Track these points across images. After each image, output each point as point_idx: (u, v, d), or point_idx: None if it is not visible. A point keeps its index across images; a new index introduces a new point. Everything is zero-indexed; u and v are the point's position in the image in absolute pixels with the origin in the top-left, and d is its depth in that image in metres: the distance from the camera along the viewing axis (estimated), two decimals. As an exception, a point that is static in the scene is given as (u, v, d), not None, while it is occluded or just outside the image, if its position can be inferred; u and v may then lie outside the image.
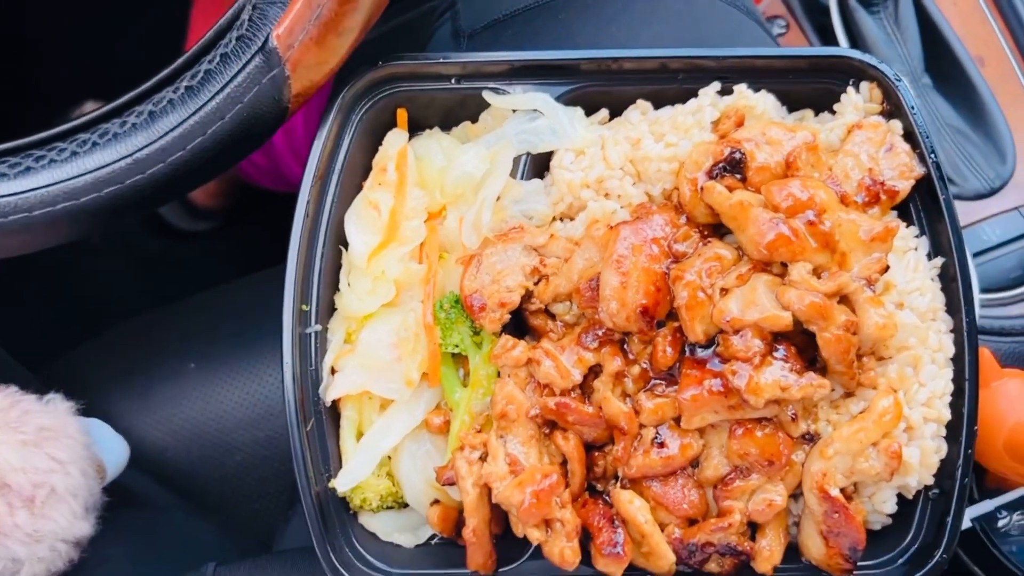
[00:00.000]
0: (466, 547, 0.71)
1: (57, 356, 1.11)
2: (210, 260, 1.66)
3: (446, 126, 0.85)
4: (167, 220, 1.61)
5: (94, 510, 0.79)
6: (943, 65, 1.18)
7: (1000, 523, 0.94)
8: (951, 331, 0.75)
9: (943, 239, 0.76)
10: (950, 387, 0.73)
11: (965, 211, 1.14)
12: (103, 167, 0.69)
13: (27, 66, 1.51)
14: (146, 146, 0.70)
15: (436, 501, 0.77)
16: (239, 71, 0.71)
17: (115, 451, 0.86)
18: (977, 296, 0.93)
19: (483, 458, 0.72)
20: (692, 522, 0.72)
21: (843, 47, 0.79)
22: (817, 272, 0.71)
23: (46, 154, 0.70)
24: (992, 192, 1.14)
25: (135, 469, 1.02)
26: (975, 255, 1.11)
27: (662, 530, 0.72)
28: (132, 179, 0.70)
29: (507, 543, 0.75)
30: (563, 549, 0.68)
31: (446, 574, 0.75)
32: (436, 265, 0.78)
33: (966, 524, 0.90)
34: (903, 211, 0.79)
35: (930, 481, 0.74)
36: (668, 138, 0.78)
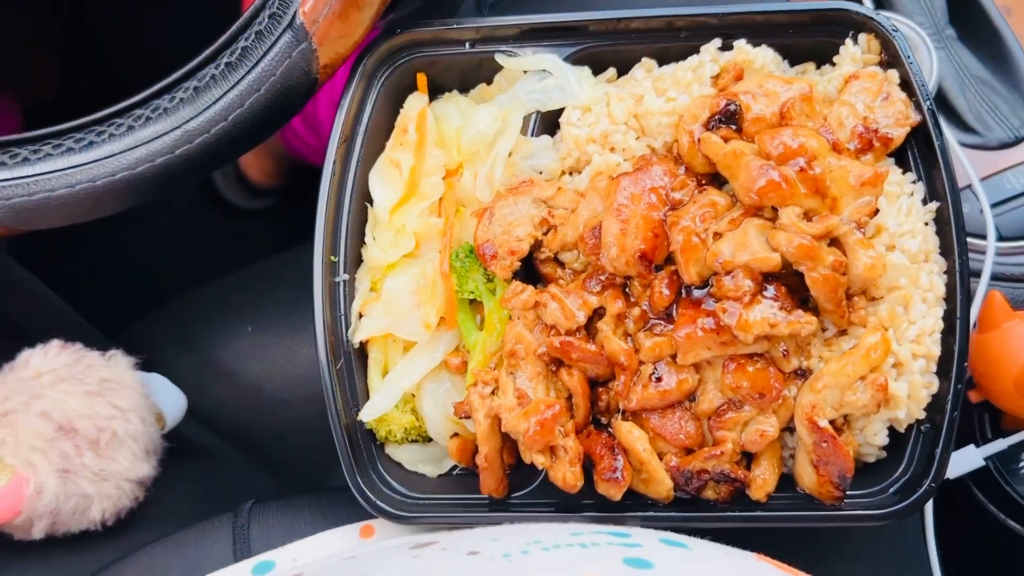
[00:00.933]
0: (479, 474, 0.78)
1: (128, 324, 1.22)
2: (266, 235, 1.76)
3: (464, 89, 0.91)
4: (227, 199, 1.71)
5: (155, 454, 0.89)
6: (968, 16, 1.18)
7: (1020, 464, 0.97)
8: (944, 272, 0.78)
9: (938, 184, 0.79)
10: (940, 325, 0.76)
11: (989, 161, 1.15)
12: (156, 138, 0.77)
13: (91, 52, 1.63)
14: (193, 118, 0.77)
15: (455, 434, 0.83)
16: (271, 47, 0.78)
17: (173, 402, 0.96)
18: (993, 242, 0.95)
19: (495, 392, 0.78)
20: (689, 452, 0.77)
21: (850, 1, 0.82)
22: (808, 216, 0.75)
23: (106, 129, 0.79)
24: (1017, 141, 1.14)
25: (197, 423, 1.12)
26: (997, 204, 1.11)
27: (661, 459, 0.77)
28: (181, 148, 0.77)
29: (519, 475, 0.82)
30: (566, 473, 0.74)
31: (464, 499, 0.81)
32: (453, 218, 0.85)
33: (979, 463, 0.93)
34: (902, 159, 0.82)
35: (921, 415, 0.77)
36: (669, 93, 0.82)
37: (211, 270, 1.25)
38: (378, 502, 0.79)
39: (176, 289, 1.25)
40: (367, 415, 0.81)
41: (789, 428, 0.79)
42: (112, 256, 1.59)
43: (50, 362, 0.86)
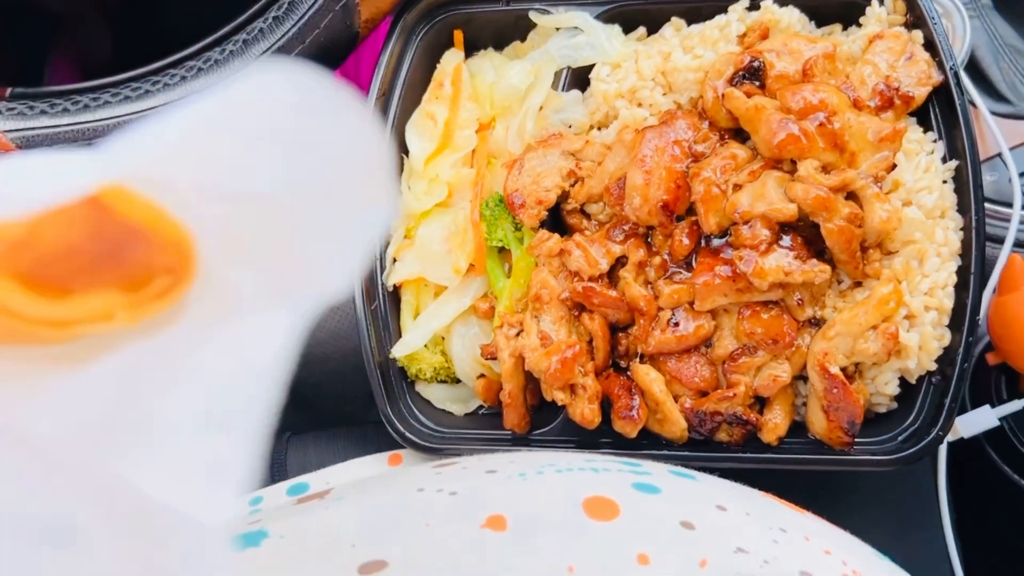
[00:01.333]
0: (503, 409, 0.82)
1: None
2: None
3: (498, 46, 0.94)
4: None
5: None
6: (1005, -15, 1.18)
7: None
8: (960, 229, 0.80)
9: (958, 144, 0.81)
10: (953, 279, 0.78)
11: (1020, 130, 1.15)
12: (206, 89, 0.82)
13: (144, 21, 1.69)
14: (241, 69, 0.82)
15: (481, 375, 0.88)
16: (315, 1, 0.83)
17: None
18: (1019, 210, 0.96)
19: (519, 334, 0.83)
20: (704, 395, 0.81)
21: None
22: (826, 170, 0.77)
23: (161, 79, 0.84)
24: (1049, 111, 1.14)
25: None
26: (1026, 173, 1.12)
27: (676, 401, 0.80)
28: (229, 99, 0.82)
29: (541, 415, 0.86)
30: (584, 409, 0.78)
31: (488, 434, 0.86)
32: (484, 169, 0.89)
33: (994, 423, 0.95)
34: (924, 119, 0.83)
35: (932, 367, 0.79)
36: (696, 51, 0.85)
37: None
38: (407, 433, 0.84)
39: None
40: (399, 351, 0.86)
41: (802, 377, 0.81)
42: None
43: None
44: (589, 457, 0.68)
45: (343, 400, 1.20)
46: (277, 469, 0.86)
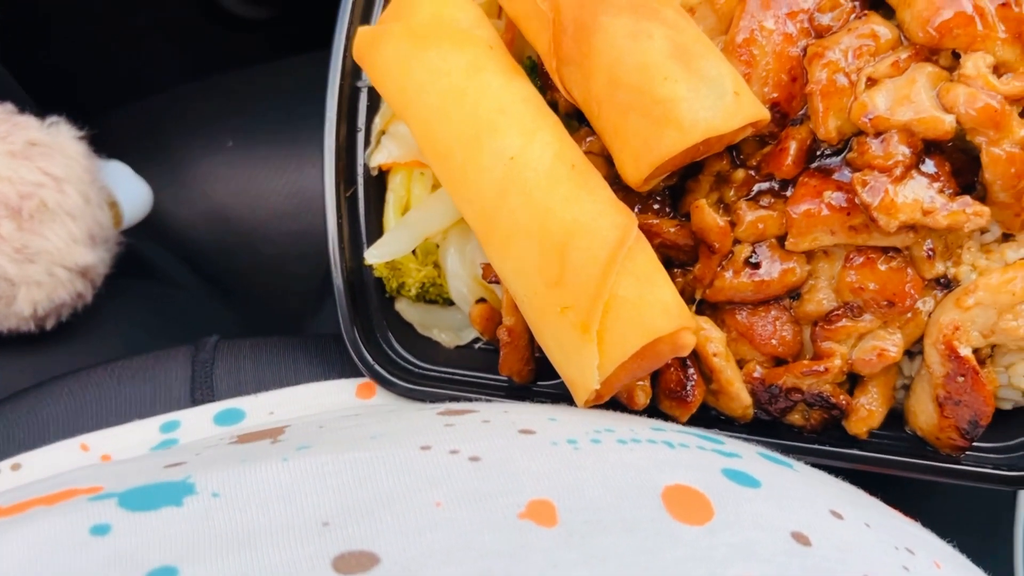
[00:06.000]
0: (500, 349, 0.61)
1: (91, 116, 1.04)
2: (265, 51, 1.55)
3: None
4: (223, 4, 1.50)
5: (103, 244, 0.71)
6: None
7: None
8: None
9: None
10: None
11: None
12: None
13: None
14: None
15: (482, 300, 0.67)
16: None
17: (134, 193, 0.78)
18: None
19: (539, 253, 0.61)
20: (780, 363, 0.60)
21: None
22: (1000, 71, 0.54)
23: None
24: None
25: (160, 245, 0.96)
26: None
27: (742, 368, 0.60)
28: None
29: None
30: (634, 388, 0.57)
31: (481, 377, 0.65)
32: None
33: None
34: None
35: (1091, 361, 0.59)
36: None
37: (194, 78, 1.06)
38: (376, 365, 0.64)
39: (152, 89, 1.06)
40: (374, 256, 0.65)
41: (910, 351, 0.61)
42: (82, 54, 1.39)
43: None
44: (654, 423, 0.50)
45: (285, 295, 0.99)
46: (200, 385, 0.65)
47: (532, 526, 0.37)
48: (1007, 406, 0.63)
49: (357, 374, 0.67)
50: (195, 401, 0.65)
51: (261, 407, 0.65)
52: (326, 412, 0.64)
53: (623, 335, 0.50)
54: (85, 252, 0.68)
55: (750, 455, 0.48)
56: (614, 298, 0.50)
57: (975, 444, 0.60)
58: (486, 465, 0.41)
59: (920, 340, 0.59)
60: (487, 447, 0.42)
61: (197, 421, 0.64)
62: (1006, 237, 0.59)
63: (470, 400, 0.58)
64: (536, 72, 0.63)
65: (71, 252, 0.67)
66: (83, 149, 0.71)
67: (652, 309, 0.50)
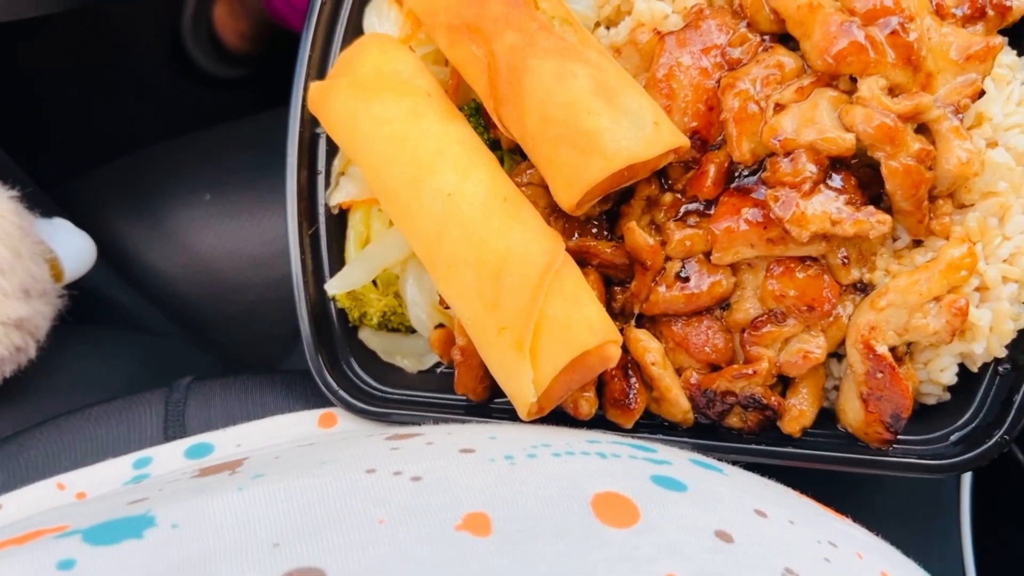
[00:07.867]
0: (455, 368, 0.65)
1: (69, 179, 1.08)
2: (237, 105, 1.61)
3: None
4: (199, 65, 1.56)
5: (41, 297, 0.74)
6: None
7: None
8: (1055, 182, 0.63)
9: (1062, 73, 0.63)
10: (1041, 244, 0.62)
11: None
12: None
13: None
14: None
15: (440, 325, 0.71)
16: None
17: (76, 247, 0.80)
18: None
19: (488, 278, 0.66)
20: (715, 369, 0.64)
21: None
22: (894, 92, 0.60)
23: None
24: None
25: (142, 295, 1.00)
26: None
27: (680, 375, 0.64)
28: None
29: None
30: (579, 400, 0.62)
31: (441, 398, 0.69)
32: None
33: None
34: (1016, 39, 0.66)
35: (1001, 353, 0.63)
36: (737, -66, 0.67)
37: (173, 135, 1.11)
38: (340, 391, 0.68)
39: (130, 148, 1.11)
40: (334, 286, 0.69)
41: (836, 354, 0.65)
42: (64, 113, 1.44)
43: None
44: (591, 436, 0.54)
45: (263, 339, 1.02)
46: (173, 423, 0.69)
47: (468, 537, 0.40)
48: (931, 401, 0.67)
49: (320, 405, 0.71)
50: (168, 437, 0.69)
51: (229, 440, 0.69)
52: (287, 442, 0.68)
53: (553, 351, 0.54)
54: (18, 305, 0.71)
55: (681, 461, 0.51)
56: (544, 317, 0.55)
57: (902, 438, 0.64)
58: (427, 484, 0.44)
59: (844, 343, 0.64)
60: (429, 467, 0.46)
61: (168, 456, 0.67)
62: (916, 243, 0.64)
63: (431, 422, 0.62)
64: (480, 113, 0.69)
65: (2, 306, 0.71)
66: (13, 207, 0.74)
67: (579, 326, 0.55)
